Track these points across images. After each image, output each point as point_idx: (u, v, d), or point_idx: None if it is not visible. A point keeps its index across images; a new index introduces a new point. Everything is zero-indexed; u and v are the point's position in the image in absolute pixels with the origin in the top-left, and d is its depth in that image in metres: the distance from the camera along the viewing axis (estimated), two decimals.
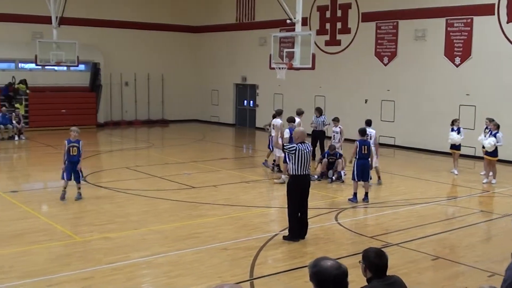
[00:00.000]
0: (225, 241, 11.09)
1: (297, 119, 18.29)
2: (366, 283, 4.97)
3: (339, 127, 19.00)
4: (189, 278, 8.99)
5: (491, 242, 12.25)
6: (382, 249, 5.32)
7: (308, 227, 11.57)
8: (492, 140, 17.28)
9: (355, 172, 14.77)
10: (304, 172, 11.09)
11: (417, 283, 8.91)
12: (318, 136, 21.04)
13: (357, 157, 14.84)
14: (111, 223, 12.31)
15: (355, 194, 14.76)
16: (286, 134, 17.17)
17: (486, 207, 15.25)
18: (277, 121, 18.15)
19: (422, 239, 11.52)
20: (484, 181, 17.75)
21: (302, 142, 11.22)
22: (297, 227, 11.16)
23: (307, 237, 11.46)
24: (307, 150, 11.11)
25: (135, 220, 12.64)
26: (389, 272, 4.99)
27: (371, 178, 16.03)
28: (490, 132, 17.66)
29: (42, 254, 10.10)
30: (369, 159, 15.05)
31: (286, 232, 11.55)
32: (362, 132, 15.20)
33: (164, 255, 10.14)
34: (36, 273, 9.03)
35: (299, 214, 11.23)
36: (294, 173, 11.10)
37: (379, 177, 17.40)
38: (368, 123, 17.26)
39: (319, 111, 21.64)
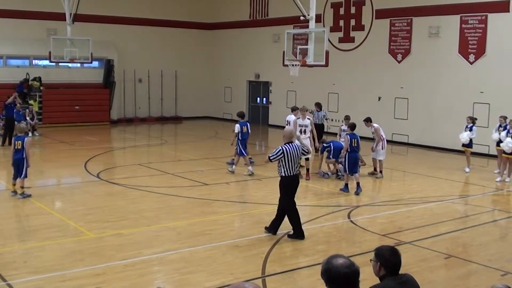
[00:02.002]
0: (237, 238, 11.11)
1: (293, 117, 18.26)
2: (378, 281, 4.94)
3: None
4: (201, 275, 9.01)
5: (504, 241, 12.18)
6: (395, 247, 5.30)
7: (310, 226, 11.64)
8: (509, 141, 17.10)
9: (347, 165, 15.53)
10: (294, 173, 11.05)
11: (429, 281, 8.87)
12: (318, 129, 21.28)
13: (348, 150, 15.60)
14: (124, 219, 12.35)
15: (346, 185, 15.52)
16: (236, 129, 17.63)
17: (499, 206, 15.16)
18: (291, 117, 18.60)
19: (435, 237, 11.46)
20: (498, 179, 17.64)
21: (290, 142, 11.09)
22: (300, 224, 11.11)
23: (320, 235, 11.47)
24: (295, 149, 10.99)
25: (147, 217, 12.68)
26: (401, 271, 4.96)
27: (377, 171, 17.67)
28: (505, 129, 17.50)
29: (55, 250, 10.15)
30: (359, 152, 15.93)
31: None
32: (352, 126, 16.08)
33: (177, 251, 10.17)
34: (49, 269, 9.08)
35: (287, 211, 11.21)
36: (285, 175, 11.00)
37: (380, 171, 17.71)
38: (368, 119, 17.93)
39: (319, 106, 22.38)
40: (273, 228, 11.24)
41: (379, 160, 17.70)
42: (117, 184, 16.03)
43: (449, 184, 17.22)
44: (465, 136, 18.77)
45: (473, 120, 18.96)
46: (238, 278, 8.78)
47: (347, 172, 15.59)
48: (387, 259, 4.92)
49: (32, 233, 11.19)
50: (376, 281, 4.94)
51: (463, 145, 19.08)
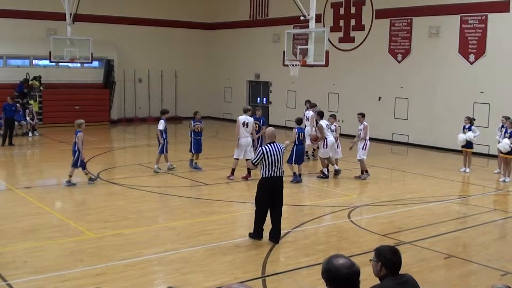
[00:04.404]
0: (238, 238, 11.11)
1: (311, 112, 18.26)
2: (378, 281, 4.94)
3: (335, 125, 18.93)
4: (201, 275, 9.00)
5: (504, 241, 12.19)
6: (395, 246, 5.29)
7: (310, 226, 11.67)
8: (505, 142, 17.09)
9: (294, 157, 16.56)
10: (275, 174, 10.67)
11: (429, 281, 8.87)
12: None
13: (296, 143, 16.73)
14: (124, 219, 12.35)
15: (297, 175, 16.68)
16: (161, 125, 17.75)
17: (499, 206, 15.16)
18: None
19: (435, 237, 11.46)
20: (501, 179, 17.59)
21: (272, 142, 10.85)
22: (262, 226, 10.84)
23: (320, 235, 11.48)
24: (277, 150, 10.69)
25: (147, 217, 12.68)
26: (401, 271, 4.96)
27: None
28: (506, 130, 17.53)
29: (55, 250, 10.16)
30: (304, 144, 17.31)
31: (299, 229, 11.59)
32: (299, 121, 17.42)
33: (177, 251, 10.17)
34: (49, 269, 9.08)
35: (267, 216, 10.85)
36: (264, 175, 10.70)
37: (365, 171, 17.51)
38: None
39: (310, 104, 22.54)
40: (274, 235, 10.97)
41: (359, 160, 17.41)
42: (117, 184, 16.04)
43: (449, 184, 17.23)
44: (469, 136, 18.63)
45: (471, 120, 18.94)
46: (238, 278, 8.79)
47: (293, 163, 16.64)
48: (388, 259, 4.90)
49: (32, 233, 11.18)
50: (376, 281, 4.93)
51: (463, 145, 18.99)
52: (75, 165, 15.57)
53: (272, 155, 10.62)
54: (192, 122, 18.79)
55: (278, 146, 10.83)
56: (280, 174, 10.80)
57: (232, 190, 15.67)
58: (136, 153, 23.36)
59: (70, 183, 15.46)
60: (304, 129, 18.33)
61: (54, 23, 28.96)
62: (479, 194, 16.31)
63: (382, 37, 26.24)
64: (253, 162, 10.90)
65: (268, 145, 10.82)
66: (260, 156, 10.66)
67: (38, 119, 27.45)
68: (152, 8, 33.52)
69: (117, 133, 29.60)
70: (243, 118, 17.37)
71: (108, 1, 31.98)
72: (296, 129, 16.92)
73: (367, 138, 17.48)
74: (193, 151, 18.58)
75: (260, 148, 10.86)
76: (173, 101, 35.14)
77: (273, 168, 10.64)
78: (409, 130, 25.31)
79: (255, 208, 11.00)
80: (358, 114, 17.85)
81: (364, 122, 17.47)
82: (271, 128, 11.43)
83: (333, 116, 18.53)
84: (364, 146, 17.37)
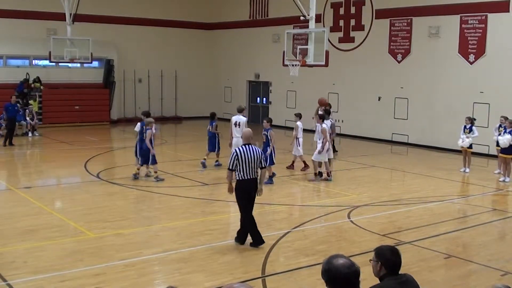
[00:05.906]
0: None
1: (244, 118, 17.70)
2: (378, 281, 4.94)
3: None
4: (201, 275, 9.01)
5: (504, 241, 12.19)
6: (395, 246, 5.29)
7: (310, 226, 11.70)
8: (507, 138, 17.11)
9: (269, 157, 16.02)
10: (249, 176, 10.33)
11: (429, 281, 8.87)
12: None
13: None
14: (124, 219, 12.36)
15: (270, 177, 16.32)
16: (138, 128, 17.29)
17: (499, 206, 15.15)
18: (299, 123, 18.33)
19: (434, 237, 11.46)
20: (501, 179, 17.60)
21: (248, 144, 10.49)
22: (257, 229, 10.52)
23: (320, 235, 11.47)
24: (251, 152, 10.31)
25: (147, 217, 12.70)
26: (401, 271, 4.96)
27: None
28: (504, 129, 17.53)
29: (55, 250, 10.16)
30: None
31: (299, 229, 11.60)
32: (270, 121, 16.99)
33: (177, 251, 10.17)
34: (49, 269, 9.09)
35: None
36: (238, 178, 10.37)
37: (329, 172, 17.15)
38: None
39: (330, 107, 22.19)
40: (240, 238, 10.70)
41: (325, 162, 16.91)
42: (117, 184, 16.03)
43: (448, 184, 17.23)
44: (466, 140, 18.64)
45: (471, 120, 18.92)
46: (238, 278, 8.79)
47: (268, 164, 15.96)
48: (388, 259, 4.91)
49: (32, 233, 11.18)
50: (376, 281, 4.94)
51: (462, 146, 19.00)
52: (153, 162, 16.40)
53: (245, 157, 10.26)
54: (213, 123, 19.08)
55: (253, 148, 10.46)
56: (254, 176, 10.46)
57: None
58: None
59: (158, 179, 16.30)
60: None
61: (54, 23, 28.96)
62: (479, 194, 16.31)
63: (382, 37, 26.24)
64: (229, 167, 10.41)
65: (243, 146, 10.45)
66: (233, 159, 10.28)
67: (38, 119, 27.43)
68: (152, 8, 33.51)
69: (117, 133, 29.60)
70: (235, 118, 17.40)
71: (108, 1, 31.98)
72: (271, 130, 16.66)
73: (327, 140, 16.78)
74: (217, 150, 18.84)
75: (234, 150, 10.49)
76: (173, 101, 35.16)
77: (247, 170, 10.30)
78: (409, 130, 25.31)
79: (241, 215, 10.66)
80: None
81: (323, 124, 16.85)
82: (247, 129, 11.00)
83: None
84: (323, 147, 16.72)
